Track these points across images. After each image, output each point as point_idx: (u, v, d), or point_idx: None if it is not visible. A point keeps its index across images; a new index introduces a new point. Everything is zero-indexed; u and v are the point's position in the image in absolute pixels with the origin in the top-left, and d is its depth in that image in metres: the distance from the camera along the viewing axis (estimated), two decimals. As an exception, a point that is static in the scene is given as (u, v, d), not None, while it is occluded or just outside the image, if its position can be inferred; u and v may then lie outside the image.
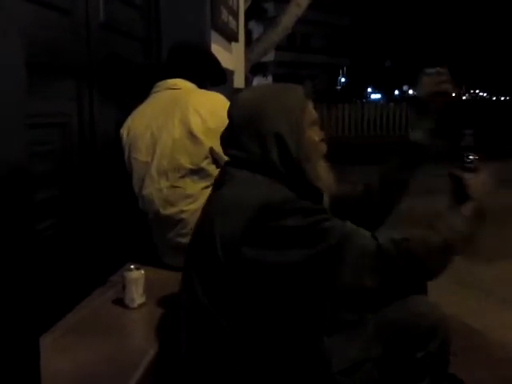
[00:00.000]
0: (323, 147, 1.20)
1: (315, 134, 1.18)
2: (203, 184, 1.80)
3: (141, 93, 2.00)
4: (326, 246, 1.01)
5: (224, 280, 1.06)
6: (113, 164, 1.89)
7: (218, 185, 1.20)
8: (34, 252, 1.03)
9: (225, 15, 3.11)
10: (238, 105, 1.18)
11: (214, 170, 1.81)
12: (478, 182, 1.22)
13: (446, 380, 1.35)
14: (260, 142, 1.11)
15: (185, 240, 1.82)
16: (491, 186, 1.22)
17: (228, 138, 1.18)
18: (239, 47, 4.22)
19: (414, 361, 1.16)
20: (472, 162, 1.29)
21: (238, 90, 4.26)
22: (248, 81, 6.22)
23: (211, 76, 2.08)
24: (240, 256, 1.02)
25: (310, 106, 1.18)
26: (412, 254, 1.05)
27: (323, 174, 1.17)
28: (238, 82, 4.26)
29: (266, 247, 1.01)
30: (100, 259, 1.79)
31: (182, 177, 1.79)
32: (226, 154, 1.21)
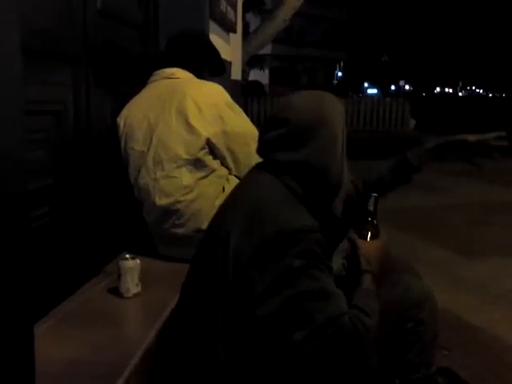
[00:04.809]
0: None
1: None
2: (199, 174, 1.79)
3: (138, 81, 1.98)
4: (299, 291, 0.98)
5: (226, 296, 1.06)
6: (109, 153, 1.88)
7: (247, 184, 1.19)
8: (28, 241, 1.02)
9: (223, 5, 3.08)
10: (298, 109, 1.15)
11: (211, 161, 1.80)
12: (369, 247, 1.23)
13: (442, 374, 1.36)
14: (323, 147, 1.12)
15: (180, 231, 1.82)
16: (381, 251, 1.23)
17: (281, 140, 1.14)
18: (237, 38, 4.19)
19: (406, 331, 1.22)
20: (367, 228, 1.29)
21: (236, 82, 4.24)
22: (245, 73, 6.20)
23: (210, 66, 2.06)
24: (247, 278, 1.01)
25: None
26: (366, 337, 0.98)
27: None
28: (236, 73, 4.24)
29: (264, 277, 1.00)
30: (95, 248, 1.78)
31: (178, 167, 1.78)
32: (269, 156, 1.17)
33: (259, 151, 1.22)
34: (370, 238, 1.27)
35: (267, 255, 1.00)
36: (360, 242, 1.23)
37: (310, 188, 1.12)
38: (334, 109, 1.18)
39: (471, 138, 1.43)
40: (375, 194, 1.33)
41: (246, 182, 1.23)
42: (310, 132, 1.13)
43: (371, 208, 1.32)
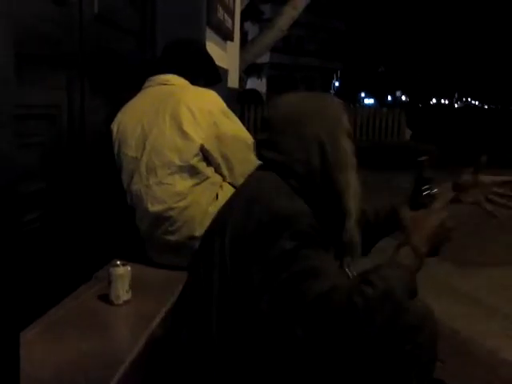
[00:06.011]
0: (355, 160, 1.19)
1: (348, 146, 1.18)
2: (193, 181, 1.78)
3: (133, 87, 1.97)
4: (290, 273, 0.96)
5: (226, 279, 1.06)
6: (102, 158, 1.87)
7: (245, 182, 1.21)
8: (18, 245, 1.00)
9: (220, 13, 3.10)
10: (279, 109, 1.18)
11: (204, 168, 1.80)
12: (417, 217, 1.12)
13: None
14: (304, 147, 1.12)
15: (173, 238, 1.80)
16: (426, 221, 1.10)
17: (266, 140, 1.18)
18: (234, 47, 4.21)
19: (403, 353, 1.16)
20: (426, 195, 1.20)
21: (232, 90, 4.25)
22: (242, 81, 6.21)
23: (205, 74, 2.06)
24: (245, 268, 1.01)
25: (346, 117, 1.20)
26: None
27: (353, 183, 1.16)
28: (232, 81, 4.25)
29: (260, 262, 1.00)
30: (87, 254, 1.76)
31: (172, 174, 1.77)
32: (260, 156, 1.20)
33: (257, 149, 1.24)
34: (418, 206, 1.17)
35: (262, 242, 1.00)
36: (404, 212, 1.16)
37: (304, 189, 1.11)
38: (321, 110, 1.16)
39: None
40: (423, 158, 1.22)
41: (244, 182, 1.23)
42: (280, 132, 1.14)
43: (419, 174, 1.22)
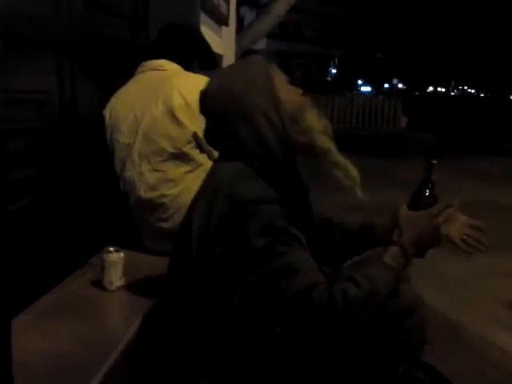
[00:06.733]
0: (303, 99, 1.17)
1: (290, 93, 1.15)
2: (186, 168, 1.78)
3: (126, 72, 1.95)
4: (264, 270, 0.95)
5: (195, 275, 1.07)
6: (94, 144, 1.85)
7: (207, 176, 1.20)
8: (9, 232, 1.00)
9: (215, -2, 3.06)
10: (212, 99, 1.14)
11: (197, 155, 1.79)
12: (412, 218, 1.14)
13: (422, 369, 1.36)
14: (254, 127, 1.09)
15: (166, 225, 1.80)
16: (422, 222, 1.13)
17: (214, 132, 1.17)
18: (229, 32, 4.17)
19: (391, 338, 1.17)
20: (419, 197, 1.22)
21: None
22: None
23: (199, 58, 2.04)
24: (212, 254, 1.02)
25: (275, 70, 1.17)
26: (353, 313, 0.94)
27: (314, 122, 1.15)
28: (227, 67, 4.22)
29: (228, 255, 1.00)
30: (81, 241, 1.76)
31: (164, 161, 1.77)
32: (217, 149, 1.21)
33: (212, 145, 1.25)
34: (418, 207, 1.19)
35: (227, 230, 1.00)
36: (402, 210, 1.17)
37: (260, 160, 1.10)
38: (250, 81, 1.12)
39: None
40: (434, 161, 1.24)
41: (208, 173, 1.21)
42: (229, 119, 1.11)
43: (427, 176, 1.24)
